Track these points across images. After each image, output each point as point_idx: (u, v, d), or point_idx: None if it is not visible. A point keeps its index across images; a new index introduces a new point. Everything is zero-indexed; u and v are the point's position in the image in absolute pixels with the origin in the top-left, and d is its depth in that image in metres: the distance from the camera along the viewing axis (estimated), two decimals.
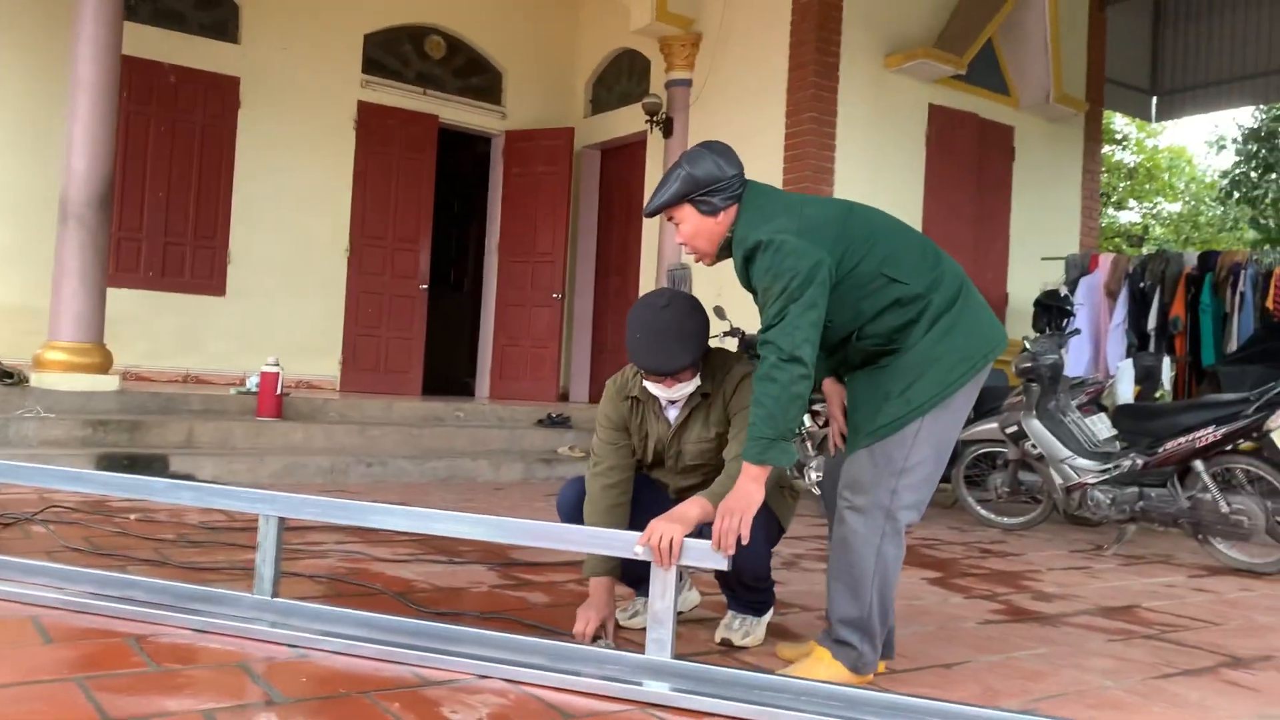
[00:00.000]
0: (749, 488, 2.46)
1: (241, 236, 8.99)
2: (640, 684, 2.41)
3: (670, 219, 2.68)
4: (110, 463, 5.79)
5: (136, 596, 2.89)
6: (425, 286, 9.85)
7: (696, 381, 2.82)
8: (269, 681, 2.35)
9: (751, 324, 7.19)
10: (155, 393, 6.94)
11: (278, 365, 6.95)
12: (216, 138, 8.90)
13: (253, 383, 7.33)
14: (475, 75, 10.26)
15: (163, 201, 8.67)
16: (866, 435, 2.58)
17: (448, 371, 12.01)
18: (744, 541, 2.45)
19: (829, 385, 2.92)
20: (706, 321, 2.76)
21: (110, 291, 6.99)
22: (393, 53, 9.77)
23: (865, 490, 2.54)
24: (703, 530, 2.54)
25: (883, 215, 2.68)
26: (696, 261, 2.75)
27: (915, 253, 2.59)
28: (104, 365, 6.69)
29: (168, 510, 4.72)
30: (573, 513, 3.01)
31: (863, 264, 2.52)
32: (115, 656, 2.46)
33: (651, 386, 2.81)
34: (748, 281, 2.60)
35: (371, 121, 9.58)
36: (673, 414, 2.90)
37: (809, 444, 6.18)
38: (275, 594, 2.81)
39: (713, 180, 2.59)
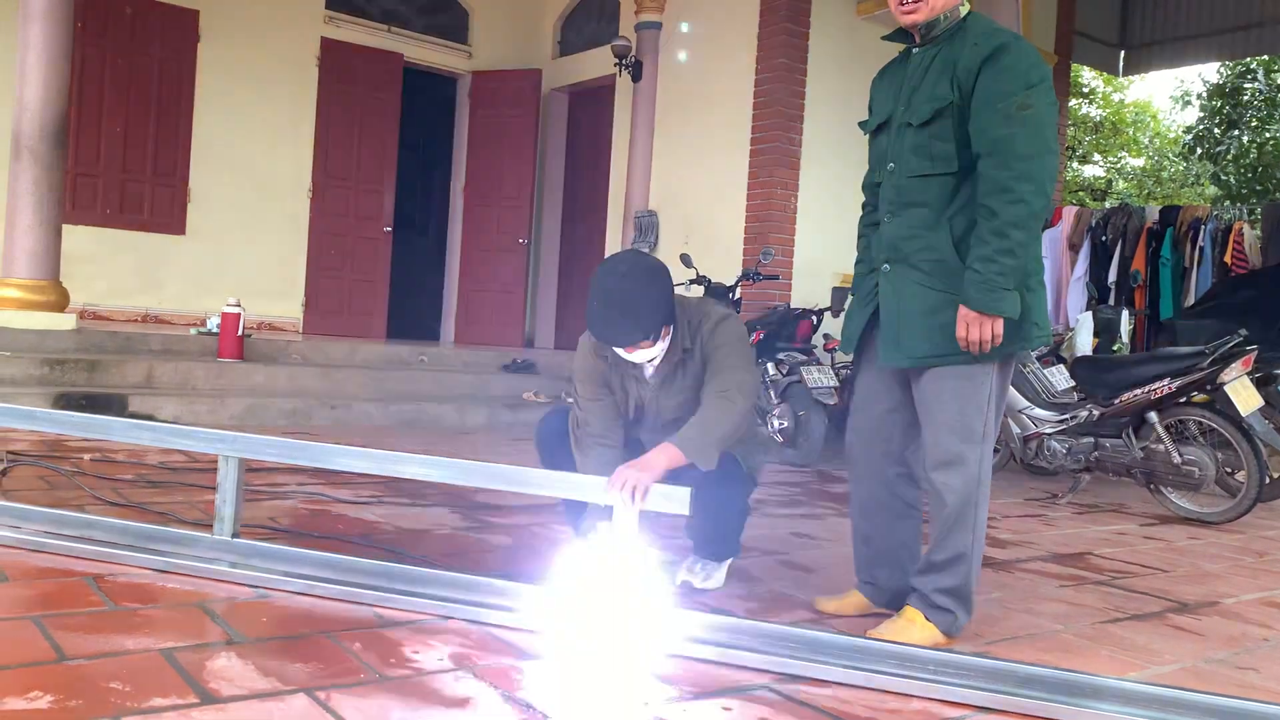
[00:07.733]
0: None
1: (202, 175, 8.82)
2: None
3: None
4: (67, 402, 5.71)
5: (95, 536, 2.87)
6: (389, 229, 9.73)
7: (662, 346, 2.72)
8: (229, 622, 2.35)
9: (716, 272, 7.20)
10: (114, 332, 6.83)
11: (239, 306, 6.87)
12: (175, 73, 8.68)
13: (214, 323, 7.24)
14: (441, 13, 10.05)
15: (120, 138, 8.47)
16: (917, 358, 2.51)
17: (412, 315, 11.91)
18: None
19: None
20: (668, 289, 2.64)
21: (66, 229, 6.83)
22: None
23: (958, 467, 2.51)
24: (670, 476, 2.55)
25: None
26: (907, 15, 2.60)
27: None
28: (60, 303, 6.56)
29: (126, 450, 4.67)
30: (554, 444, 2.94)
31: None
32: (73, 596, 2.45)
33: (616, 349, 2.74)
34: (962, 85, 2.47)
35: (335, 59, 9.37)
36: (649, 373, 2.83)
37: (772, 392, 6.21)
38: (236, 535, 2.80)
39: None
